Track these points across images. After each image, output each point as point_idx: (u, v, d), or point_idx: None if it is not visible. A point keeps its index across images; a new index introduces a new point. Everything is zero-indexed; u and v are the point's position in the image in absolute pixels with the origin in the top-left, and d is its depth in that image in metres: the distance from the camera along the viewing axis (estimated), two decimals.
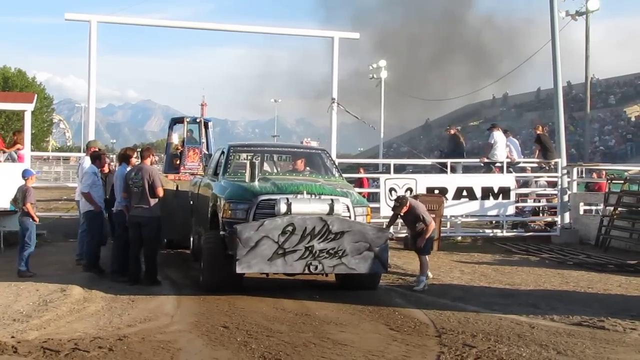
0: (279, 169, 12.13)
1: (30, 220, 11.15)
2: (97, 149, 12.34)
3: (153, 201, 10.40)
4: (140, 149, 11.70)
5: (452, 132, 19.37)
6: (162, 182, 10.88)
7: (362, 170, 23.11)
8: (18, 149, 15.25)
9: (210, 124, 19.70)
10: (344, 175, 12.08)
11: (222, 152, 11.50)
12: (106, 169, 12.48)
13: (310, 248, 8.68)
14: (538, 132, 18.86)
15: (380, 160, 30.05)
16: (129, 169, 10.89)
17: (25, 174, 11.58)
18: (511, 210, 17.02)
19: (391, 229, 11.25)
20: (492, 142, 17.60)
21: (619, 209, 15.77)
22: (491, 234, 17.35)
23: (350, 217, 9.32)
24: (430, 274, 10.84)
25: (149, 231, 10.43)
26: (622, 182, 16.86)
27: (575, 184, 17.88)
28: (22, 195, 11.24)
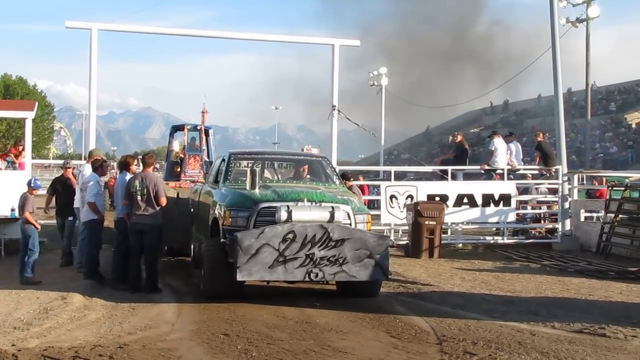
0: (279, 177, 12.14)
1: (32, 227, 11.19)
2: (99, 157, 12.33)
3: (156, 209, 10.42)
4: (141, 156, 11.70)
5: (459, 138, 19.48)
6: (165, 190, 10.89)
7: (362, 178, 23.12)
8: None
9: (210, 131, 19.72)
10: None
11: (223, 160, 11.51)
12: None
13: (310, 255, 8.68)
14: (539, 139, 18.90)
15: (381, 168, 30.05)
16: (129, 176, 10.89)
17: (31, 185, 11.57)
18: (512, 217, 17.03)
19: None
20: (493, 149, 17.64)
21: (620, 216, 15.75)
22: (492, 241, 17.33)
23: (350, 224, 9.32)
24: None
25: (151, 239, 10.43)
26: (623, 189, 16.85)
27: (576, 190, 17.89)
28: (21, 204, 11.28)
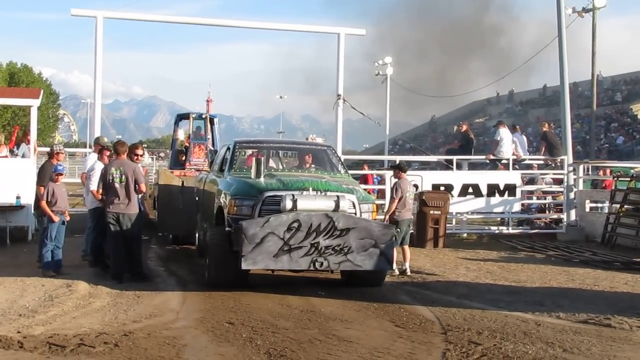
0: (284, 166, 12.12)
1: (48, 218, 10.60)
2: (105, 145, 12.22)
3: (135, 197, 10.37)
4: (114, 143, 11.40)
5: (464, 128, 19.45)
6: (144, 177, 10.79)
7: (367, 167, 23.07)
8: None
9: (215, 120, 19.70)
10: (349, 171, 12.06)
11: (228, 148, 11.49)
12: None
13: (315, 244, 8.66)
14: (544, 129, 18.84)
15: (386, 157, 29.95)
16: (99, 164, 10.85)
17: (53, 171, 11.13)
18: (517, 207, 17.00)
19: (411, 225, 11.38)
20: (498, 139, 17.59)
21: (625, 206, 15.72)
22: (497, 231, 17.32)
23: (355, 213, 9.31)
24: (398, 267, 11.10)
25: (131, 227, 10.33)
26: (629, 179, 16.81)
27: (581, 181, 17.86)
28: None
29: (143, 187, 10.49)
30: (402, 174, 11.82)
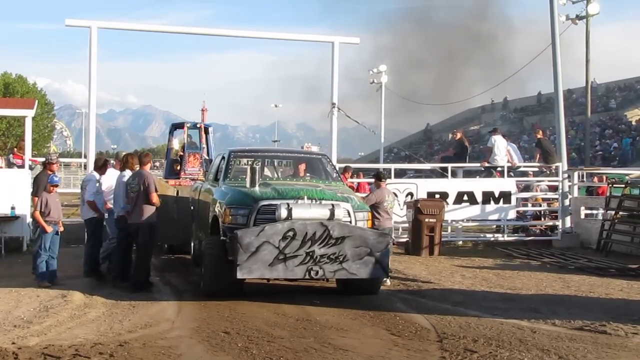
0: (279, 174, 12.12)
1: (42, 228, 10.54)
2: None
3: (147, 207, 10.34)
4: (139, 154, 11.53)
5: (459, 136, 19.50)
6: (157, 188, 10.75)
7: (362, 175, 23.07)
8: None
9: (210, 129, 19.69)
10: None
11: (223, 158, 11.49)
12: None
13: (311, 253, 8.67)
14: (539, 136, 18.89)
15: (381, 165, 29.98)
16: (127, 174, 10.86)
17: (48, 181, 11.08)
18: (512, 214, 17.01)
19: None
20: (493, 146, 17.62)
21: (620, 213, 15.75)
22: (492, 239, 17.33)
23: (351, 222, 9.31)
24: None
25: (142, 236, 10.36)
26: (623, 186, 16.85)
27: (576, 188, 17.89)
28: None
29: (153, 198, 10.36)
30: (380, 182, 11.94)
